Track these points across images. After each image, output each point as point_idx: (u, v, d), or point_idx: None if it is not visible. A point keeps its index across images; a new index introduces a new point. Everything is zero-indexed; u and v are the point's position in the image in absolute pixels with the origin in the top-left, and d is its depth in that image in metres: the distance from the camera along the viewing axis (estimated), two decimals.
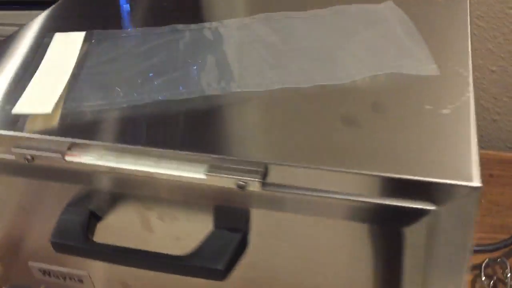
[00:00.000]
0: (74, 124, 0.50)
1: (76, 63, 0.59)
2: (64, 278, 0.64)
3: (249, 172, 0.44)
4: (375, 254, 0.45)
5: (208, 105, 0.51)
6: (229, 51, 0.59)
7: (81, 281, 0.63)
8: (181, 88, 0.53)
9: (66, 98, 0.53)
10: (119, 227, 0.54)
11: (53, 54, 0.61)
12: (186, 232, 0.51)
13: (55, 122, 0.51)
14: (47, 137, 0.49)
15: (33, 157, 0.49)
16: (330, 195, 0.43)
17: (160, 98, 0.52)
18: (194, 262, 0.47)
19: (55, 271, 0.63)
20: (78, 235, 0.51)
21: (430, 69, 0.53)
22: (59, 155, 0.48)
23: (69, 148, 0.49)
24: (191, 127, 0.48)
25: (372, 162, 0.42)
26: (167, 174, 0.46)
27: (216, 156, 0.44)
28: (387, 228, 0.43)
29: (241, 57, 0.57)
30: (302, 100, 0.50)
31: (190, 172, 0.45)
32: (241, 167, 0.44)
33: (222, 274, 0.46)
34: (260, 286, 0.53)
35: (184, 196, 0.48)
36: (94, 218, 0.53)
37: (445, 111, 0.47)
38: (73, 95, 0.53)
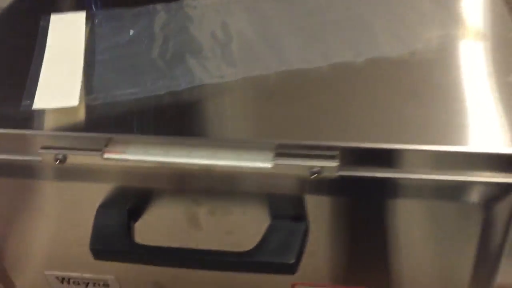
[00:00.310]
0: (107, 116, 0.45)
1: (85, 47, 0.53)
2: (87, 285, 0.58)
3: (324, 158, 0.40)
4: (462, 232, 0.43)
5: (253, 88, 0.47)
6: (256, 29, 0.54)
7: (106, 285, 0.58)
8: (216, 71, 0.48)
9: (89, 87, 0.47)
10: (160, 225, 0.49)
11: (57, 39, 0.54)
12: (239, 226, 0.47)
13: (82, 115, 0.45)
14: (83, 134, 0.43)
15: (65, 157, 0.44)
16: (410, 175, 0.41)
17: (197, 83, 0.47)
18: (261, 257, 0.43)
19: (75, 277, 0.58)
20: (121, 239, 0.46)
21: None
22: (97, 153, 0.43)
23: (106, 145, 0.44)
24: (241, 113, 0.44)
25: (454, 137, 0.40)
26: (227, 166, 0.42)
27: (287, 142, 0.41)
28: (479, 204, 0.41)
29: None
30: (354, 76, 0.47)
31: (254, 161, 0.41)
32: (315, 152, 0.40)
33: (293, 268, 0.43)
34: (318, 273, 0.50)
35: (240, 187, 0.44)
36: (133, 219, 0.48)
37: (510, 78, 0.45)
38: (96, 83, 0.48)
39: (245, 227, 0.47)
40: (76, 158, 0.43)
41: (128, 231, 0.47)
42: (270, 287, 0.51)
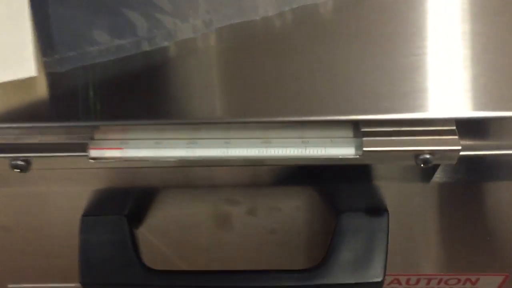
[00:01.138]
0: (85, 91, 0.29)
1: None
2: None
3: (439, 135, 0.27)
4: None
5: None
6: None
7: None
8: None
9: (49, 45, 0.30)
10: (173, 229, 0.35)
11: None
12: (286, 222, 0.34)
13: (44, 92, 0.29)
14: (53, 124, 0.27)
15: (28, 162, 0.28)
16: None
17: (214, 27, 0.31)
18: (332, 276, 0.31)
19: None
20: (126, 263, 0.32)
21: None
22: (79, 153, 0.27)
23: (92, 137, 0.28)
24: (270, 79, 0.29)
25: None
26: (296, 158, 0.27)
27: (373, 116, 0.27)
28: None
29: None
30: None
31: (338, 148, 0.27)
32: (417, 128, 0.27)
33: (379, 286, 0.31)
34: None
35: (292, 180, 0.31)
36: (134, 226, 0.34)
37: None
38: (57, 39, 0.30)
39: (293, 223, 0.34)
40: (46, 163, 0.28)
41: (134, 248, 0.32)
42: None
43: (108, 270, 0.32)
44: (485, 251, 0.38)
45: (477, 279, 0.40)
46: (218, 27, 0.30)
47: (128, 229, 0.33)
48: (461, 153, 0.27)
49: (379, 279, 0.30)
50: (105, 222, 0.33)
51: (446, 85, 0.28)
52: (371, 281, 0.30)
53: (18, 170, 0.28)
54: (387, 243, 0.32)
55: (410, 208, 0.33)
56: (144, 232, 0.35)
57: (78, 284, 0.37)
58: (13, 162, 0.27)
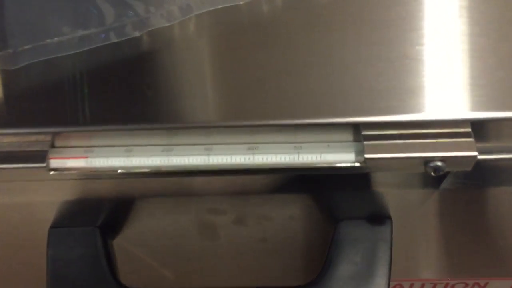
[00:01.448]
0: (44, 90, 0.25)
1: None
2: None
3: (453, 138, 0.23)
4: None
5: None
6: None
7: None
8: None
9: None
10: (152, 239, 0.32)
11: None
12: (277, 230, 0.31)
13: None
14: (5, 130, 0.24)
15: None
16: None
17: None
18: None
19: None
20: (102, 283, 0.28)
21: None
22: (37, 164, 0.24)
23: (52, 145, 0.24)
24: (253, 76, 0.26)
25: None
26: (276, 164, 0.24)
27: (375, 118, 0.23)
28: None
29: None
30: None
31: (336, 154, 0.24)
32: (428, 131, 0.23)
33: None
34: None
35: (284, 189, 0.27)
36: (109, 236, 0.30)
37: None
38: (10, 31, 0.26)
39: (289, 232, 0.31)
40: (0, 175, 0.24)
41: (108, 262, 0.29)
42: None
43: (79, 287, 0.29)
44: (494, 255, 0.35)
45: (486, 283, 0.37)
46: (197, 13, 0.27)
47: (102, 241, 0.30)
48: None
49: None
50: (75, 234, 0.30)
51: (458, 79, 0.24)
52: None
53: None
54: (391, 254, 0.28)
55: (415, 214, 0.30)
56: (121, 243, 0.31)
57: None
58: None
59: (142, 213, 0.30)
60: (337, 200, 0.29)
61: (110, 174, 0.24)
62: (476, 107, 0.23)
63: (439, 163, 0.23)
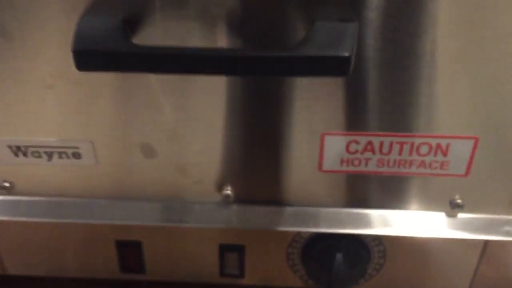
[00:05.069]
0: None
1: None
2: (50, 156, 0.45)
3: None
4: None
5: None
6: None
7: (77, 154, 0.45)
8: None
9: None
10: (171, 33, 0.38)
11: None
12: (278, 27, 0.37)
13: None
14: None
15: None
16: None
17: None
18: (306, 51, 0.33)
19: (35, 145, 0.45)
20: (115, 39, 0.35)
21: None
22: None
23: None
24: None
25: None
26: None
27: None
28: None
29: None
30: None
31: None
32: None
33: (346, 64, 0.33)
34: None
35: None
36: (130, 29, 0.37)
37: None
38: None
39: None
40: None
41: (124, 33, 0.35)
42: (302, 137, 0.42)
43: (99, 42, 0.34)
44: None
45: (448, 145, 0.41)
46: None
47: (123, 27, 0.36)
48: None
49: (347, 54, 0.33)
50: (100, 20, 0.36)
51: None
52: (339, 55, 0.33)
53: None
54: (355, 42, 0.35)
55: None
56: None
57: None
58: None
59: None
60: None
61: None
62: None
63: None
